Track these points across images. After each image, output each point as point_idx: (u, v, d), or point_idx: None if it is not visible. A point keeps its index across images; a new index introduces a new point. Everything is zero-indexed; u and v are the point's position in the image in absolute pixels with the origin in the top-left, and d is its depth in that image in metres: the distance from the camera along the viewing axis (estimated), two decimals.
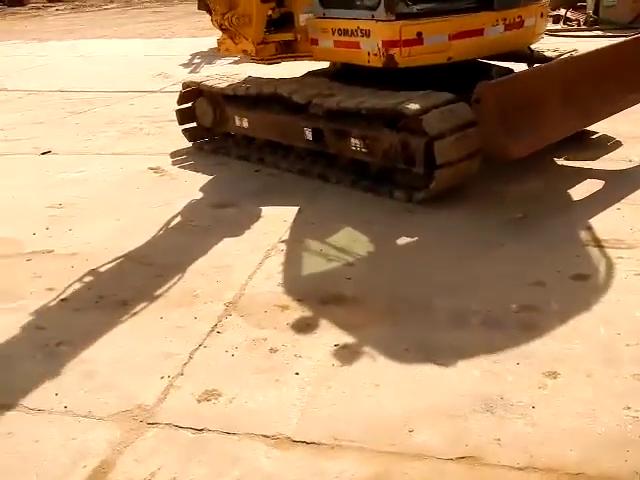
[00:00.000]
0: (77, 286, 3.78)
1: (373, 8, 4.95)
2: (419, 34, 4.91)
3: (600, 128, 5.76)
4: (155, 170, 5.77)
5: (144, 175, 5.67)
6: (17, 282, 3.87)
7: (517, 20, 5.30)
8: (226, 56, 6.22)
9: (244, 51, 5.76)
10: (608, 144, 5.72)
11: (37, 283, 3.84)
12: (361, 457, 2.44)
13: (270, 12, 5.61)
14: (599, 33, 11.40)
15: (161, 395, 2.83)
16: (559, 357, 2.93)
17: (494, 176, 4.93)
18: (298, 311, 3.43)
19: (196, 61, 11.65)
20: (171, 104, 7.93)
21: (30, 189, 5.41)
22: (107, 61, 12.27)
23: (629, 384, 2.73)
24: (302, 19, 5.61)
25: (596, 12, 12.21)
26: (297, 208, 4.76)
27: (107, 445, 2.56)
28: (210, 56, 12.10)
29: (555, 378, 2.80)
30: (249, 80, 6.05)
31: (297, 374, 2.93)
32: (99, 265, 4.01)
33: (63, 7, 26.97)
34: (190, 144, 6.39)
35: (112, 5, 27.77)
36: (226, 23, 5.45)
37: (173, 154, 6.22)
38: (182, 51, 12.65)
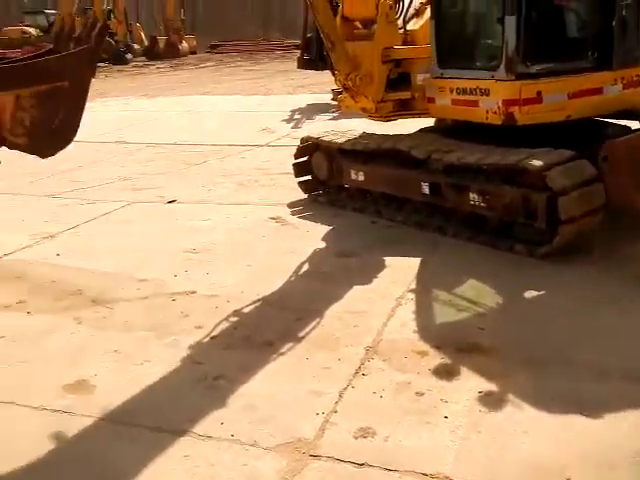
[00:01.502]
0: (224, 325, 4.04)
1: (493, 69, 5.19)
2: (539, 93, 5.09)
3: None
4: (276, 220, 6.09)
5: (267, 224, 5.99)
6: (168, 320, 4.16)
7: (635, 79, 5.41)
8: (346, 113, 6.53)
9: (363, 109, 6.10)
10: None
11: (186, 321, 4.13)
12: None
13: (388, 72, 5.94)
14: None
15: (319, 430, 2.99)
16: None
17: (613, 232, 4.96)
18: (437, 358, 3.56)
19: (296, 117, 12.19)
20: (279, 157, 8.41)
21: (164, 235, 5.81)
22: (213, 116, 13.01)
23: None
24: (419, 79, 5.91)
25: None
26: (419, 259, 4.93)
27: (276, 473, 2.73)
28: (308, 111, 12.68)
29: None
30: (365, 136, 6.35)
31: (446, 417, 3.04)
32: (241, 307, 4.27)
33: (163, 65, 28.72)
34: (305, 196, 6.70)
35: (207, 64, 29.39)
36: (349, 83, 5.80)
37: (290, 205, 6.53)
38: (280, 107, 13.27)
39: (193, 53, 35.84)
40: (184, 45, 35.16)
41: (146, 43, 34.90)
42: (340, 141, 6.30)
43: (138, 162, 8.93)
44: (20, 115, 3.57)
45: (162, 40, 34.91)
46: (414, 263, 4.85)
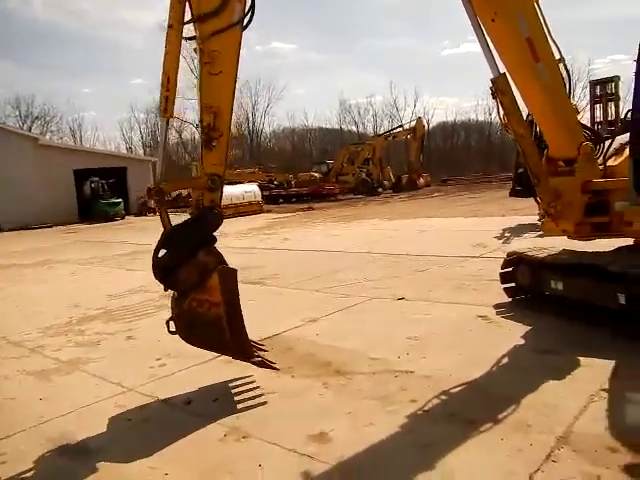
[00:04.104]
0: (434, 402, 3.91)
1: None
2: None
3: None
4: (483, 318, 5.83)
5: (475, 321, 5.76)
6: (391, 392, 4.15)
7: None
8: (548, 235, 6.13)
9: (564, 231, 5.70)
10: None
11: (404, 395, 4.08)
12: None
13: (587, 199, 5.52)
14: None
15: None
16: None
17: None
18: (628, 456, 3.02)
19: (506, 235, 11.73)
20: (490, 267, 8.08)
21: (392, 324, 5.91)
22: (437, 233, 13.12)
23: None
24: (618, 206, 5.37)
25: None
26: (614, 362, 4.30)
27: None
28: (517, 230, 12.11)
29: None
30: (565, 252, 5.89)
31: None
32: (449, 388, 4.11)
33: (404, 196, 30.01)
34: (509, 299, 6.34)
35: (437, 194, 29.97)
36: (551, 210, 5.49)
37: (496, 306, 6.22)
38: (494, 227, 12.89)
39: (427, 186, 36.95)
40: (421, 180, 36.54)
41: (393, 180, 37.01)
42: (542, 256, 5.93)
43: (378, 268, 9.28)
44: None
45: (405, 177, 36.73)
46: (609, 365, 4.24)
